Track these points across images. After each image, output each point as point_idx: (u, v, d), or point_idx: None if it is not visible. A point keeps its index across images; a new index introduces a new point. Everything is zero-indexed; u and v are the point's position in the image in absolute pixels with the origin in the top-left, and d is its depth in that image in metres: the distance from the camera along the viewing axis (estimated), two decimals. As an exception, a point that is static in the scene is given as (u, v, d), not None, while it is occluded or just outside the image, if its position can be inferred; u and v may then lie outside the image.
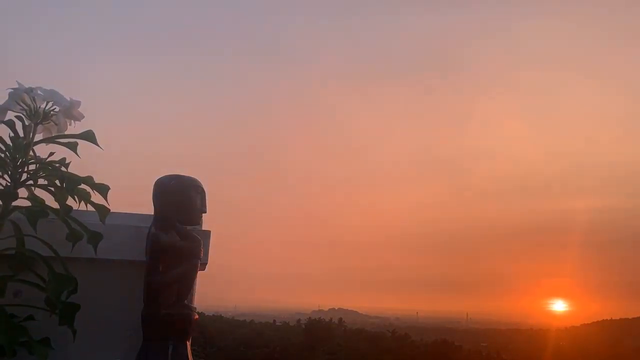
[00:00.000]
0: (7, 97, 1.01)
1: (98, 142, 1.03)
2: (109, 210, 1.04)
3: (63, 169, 1.02)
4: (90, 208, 1.03)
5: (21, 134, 1.01)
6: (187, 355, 1.09)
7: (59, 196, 0.99)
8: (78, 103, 1.04)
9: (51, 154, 1.02)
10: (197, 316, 1.13)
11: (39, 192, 1.03)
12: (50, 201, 1.00)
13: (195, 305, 1.13)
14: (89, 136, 1.03)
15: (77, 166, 1.03)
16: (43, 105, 1.02)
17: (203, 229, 1.20)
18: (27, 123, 1.01)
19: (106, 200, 1.03)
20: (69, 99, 1.03)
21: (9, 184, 0.99)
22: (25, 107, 1.01)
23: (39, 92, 1.01)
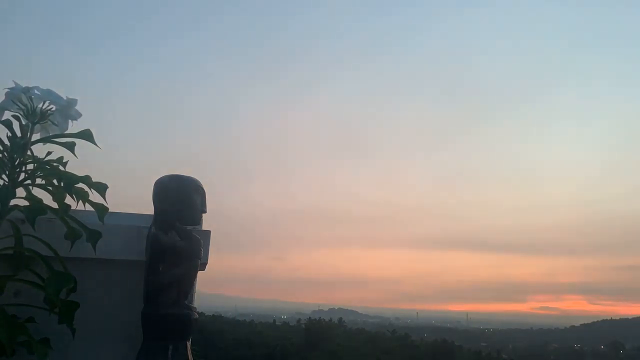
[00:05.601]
0: (4, 97, 1.00)
1: (96, 142, 1.03)
2: (108, 209, 1.03)
3: (61, 168, 1.01)
4: (88, 207, 1.02)
5: (19, 133, 1.00)
6: (187, 355, 1.08)
7: (57, 195, 0.98)
8: (75, 102, 1.04)
9: (49, 153, 1.02)
10: (197, 316, 1.12)
11: (36, 192, 1.02)
12: (49, 201, 0.99)
13: (195, 305, 1.13)
14: (86, 135, 1.02)
15: (76, 166, 1.02)
16: (40, 105, 1.01)
17: (203, 229, 1.20)
18: (24, 123, 1.01)
19: (104, 199, 1.02)
20: (65, 98, 1.02)
21: (6, 184, 0.98)
22: (23, 107, 1.00)
23: (35, 91, 1.01)
